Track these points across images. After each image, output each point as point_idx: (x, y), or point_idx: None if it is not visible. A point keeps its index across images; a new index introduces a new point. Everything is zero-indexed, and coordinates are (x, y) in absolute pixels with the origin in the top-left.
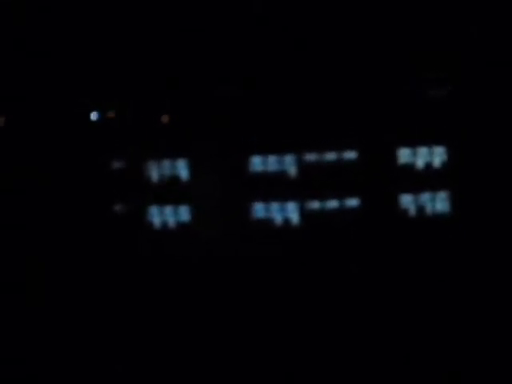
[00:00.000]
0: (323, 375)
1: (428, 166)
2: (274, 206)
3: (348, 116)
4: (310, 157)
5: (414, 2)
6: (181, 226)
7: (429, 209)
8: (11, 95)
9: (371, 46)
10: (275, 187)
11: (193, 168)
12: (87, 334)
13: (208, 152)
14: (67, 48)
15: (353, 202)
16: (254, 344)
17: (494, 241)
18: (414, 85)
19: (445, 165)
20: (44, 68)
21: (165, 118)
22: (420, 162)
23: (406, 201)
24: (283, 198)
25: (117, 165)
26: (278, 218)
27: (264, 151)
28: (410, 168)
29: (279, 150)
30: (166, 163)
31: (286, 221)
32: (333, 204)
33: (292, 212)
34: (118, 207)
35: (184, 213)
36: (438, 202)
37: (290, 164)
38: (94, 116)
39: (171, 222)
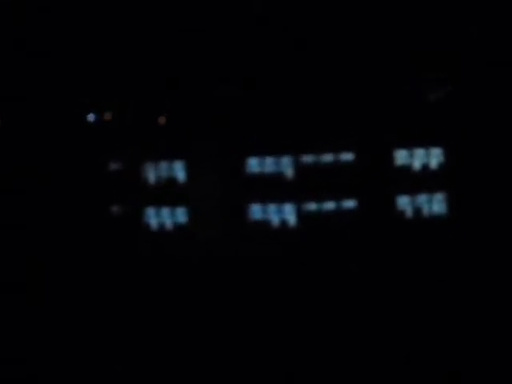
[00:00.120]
0: (319, 374)
1: (425, 167)
2: (271, 207)
3: (345, 118)
4: (307, 158)
5: (414, 2)
6: (178, 227)
7: (426, 210)
8: (9, 98)
9: (369, 49)
10: (272, 189)
11: (190, 170)
12: (86, 333)
13: (205, 154)
14: (65, 51)
15: (350, 204)
16: (252, 343)
17: (491, 242)
18: (411, 87)
19: (441, 166)
20: (42, 71)
21: (162, 120)
22: (417, 164)
23: (403, 202)
24: (280, 199)
25: (114, 166)
26: (275, 220)
27: (261, 153)
28: (406, 169)
29: (276, 152)
30: (163, 165)
31: (283, 222)
32: (330, 205)
33: (289, 213)
34: (115, 209)
35: (181, 214)
36: (435, 204)
37: (286, 166)
38: (91, 118)
39: (168, 223)
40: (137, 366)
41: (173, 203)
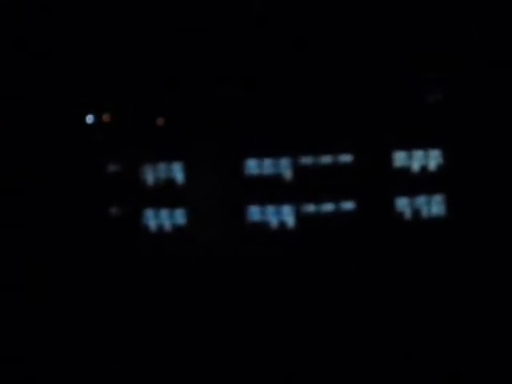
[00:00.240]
0: (319, 374)
1: (424, 169)
2: (270, 209)
3: (343, 119)
4: (306, 160)
5: (414, 3)
6: (176, 229)
7: (424, 212)
8: (8, 98)
9: (369, 50)
10: (271, 190)
11: (188, 171)
12: (85, 334)
13: (203, 155)
14: (64, 53)
15: (348, 205)
16: (251, 344)
17: (490, 243)
18: (410, 87)
19: (440, 168)
20: (41, 72)
21: (160, 121)
22: (416, 165)
23: (402, 204)
24: (279, 201)
25: (112, 168)
26: (273, 221)
27: (259, 154)
28: (405, 171)
29: (275, 154)
30: (162, 166)
31: (282, 224)
32: (328, 207)
33: (287, 215)
34: (113, 210)
35: (180, 216)
36: (434, 206)
37: (285, 167)
38: (89, 119)
39: (167, 225)
40: (137, 366)
41: (171, 205)
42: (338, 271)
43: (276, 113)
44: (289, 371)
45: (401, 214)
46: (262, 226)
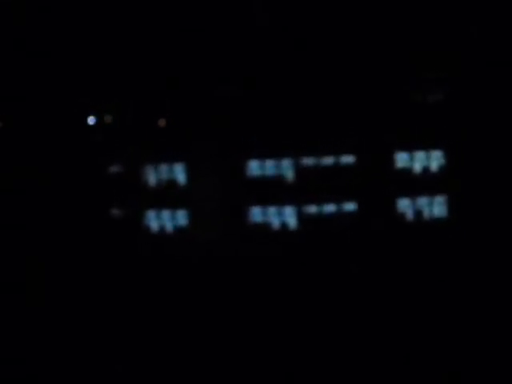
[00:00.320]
0: (319, 374)
1: (425, 170)
2: (272, 210)
3: (345, 120)
4: (308, 161)
5: (414, 3)
6: (178, 230)
7: (426, 213)
8: (9, 100)
9: (370, 52)
10: (273, 191)
11: (190, 172)
12: (86, 334)
13: (205, 156)
14: (65, 54)
15: (350, 207)
16: (251, 345)
17: (492, 244)
18: (411, 88)
19: (442, 169)
20: (42, 73)
21: (162, 122)
22: (417, 166)
23: (404, 205)
24: (281, 202)
25: (114, 169)
26: (275, 222)
27: (261, 156)
28: (407, 172)
29: (276, 155)
30: (164, 167)
31: (284, 225)
32: (330, 208)
33: (289, 216)
34: (115, 211)
35: (181, 217)
36: (436, 207)
37: (287, 168)
38: (91, 121)
39: (169, 226)
40: (137, 366)
41: (173, 206)
42: (339, 272)
43: (278, 114)
44: (289, 371)
45: (403, 215)
46: (264, 227)
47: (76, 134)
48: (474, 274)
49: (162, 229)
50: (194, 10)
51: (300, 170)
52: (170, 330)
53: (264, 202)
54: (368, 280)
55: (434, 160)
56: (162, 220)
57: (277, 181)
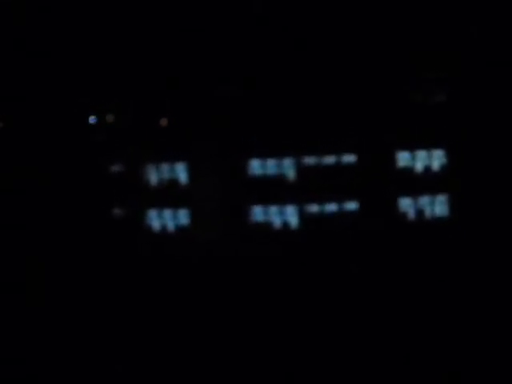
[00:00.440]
0: (319, 374)
1: (427, 169)
2: (273, 209)
3: (347, 119)
4: (309, 160)
5: (414, 3)
6: (180, 229)
7: (428, 212)
8: (10, 100)
9: (371, 51)
10: (274, 191)
11: (192, 171)
12: (87, 334)
13: (207, 155)
14: (66, 53)
15: (352, 206)
16: (252, 344)
17: (493, 244)
18: (412, 88)
19: (444, 168)
20: (43, 73)
21: (164, 122)
22: (419, 166)
23: (405, 204)
24: (282, 201)
25: (116, 168)
26: (276, 222)
27: (263, 155)
28: (409, 171)
29: (278, 154)
30: (165, 167)
31: (285, 224)
32: (332, 207)
33: (291, 215)
34: (116, 211)
35: (183, 216)
36: (437, 206)
37: (288, 167)
38: (92, 120)
39: (170, 225)
40: (137, 366)
41: (175, 205)
42: (341, 271)
43: (279, 113)
44: (289, 371)
45: (404, 215)
46: (266, 226)
47: (77, 133)
48: (475, 273)
49: (163, 228)
50: (194, 9)
51: (301, 169)
52: (171, 330)
53: (265, 201)
54: (369, 280)
55: (436, 159)
56: (164, 219)
57: (278, 180)
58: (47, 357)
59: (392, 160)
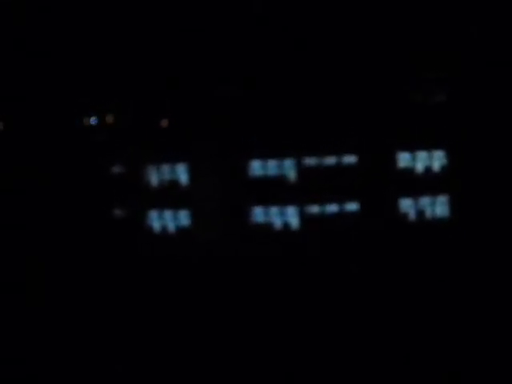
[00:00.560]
0: (320, 374)
1: (428, 170)
2: (274, 210)
3: (347, 120)
4: (310, 161)
5: (414, 3)
6: (180, 230)
7: (428, 213)
8: (10, 102)
9: (371, 51)
10: (275, 191)
11: (192, 172)
12: (87, 334)
13: (208, 156)
14: (66, 55)
15: (352, 206)
16: (252, 344)
17: (494, 244)
18: (413, 88)
19: (444, 169)
20: (43, 74)
21: (164, 123)
22: (420, 166)
23: (406, 205)
24: (283, 202)
25: (116, 169)
26: (277, 222)
27: (263, 156)
28: (409, 172)
29: (278, 155)
30: (166, 168)
31: (286, 225)
32: (332, 208)
33: (292, 216)
34: (117, 212)
35: (184, 217)
36: (438, 206)
37: (289, 168)
38: (93, 121)
39: (171, 226)
40: (138, 365)
41: (175, 206)
42: (342, 272)
43: (280, 114)
44: (289, 370)
45: (405, 215)
46: (266, 227)
47: (78, 134)
48: (476, 273)
49: (164, 229)
50: (195, 11)
51: (302, 170)
52: (172, 330)
53: (266, 202)
54: (370, 280)
55: (436, 160)
56: (164, 220)
57: (279, 181)
58: (47, 357)
59: (392, 161)
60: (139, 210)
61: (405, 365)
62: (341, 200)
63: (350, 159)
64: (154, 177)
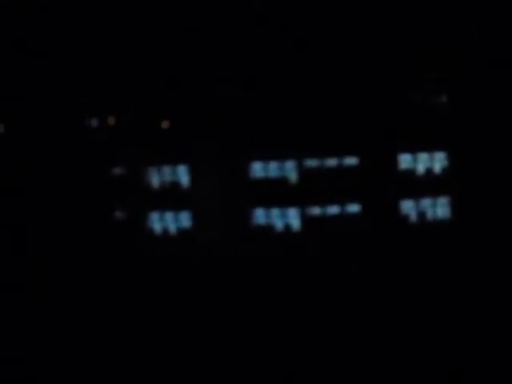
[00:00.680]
0: (320, 374)
1: (429, 171)
2: (275, 211)
3: (349, 122)
4: (311, 163)
5: (414, 4)
6: (181, 231)
7: (430, 214)
8: (11, 103)
9: (371, 52)
10: (276, 193)
11: (193, 174)
12: (87, 335)
13: (209, 158)
14: (67, 56)
15: (354, 208)
16: (253, 344)
17: (495, 246)
18: (413, 89)
19: (445, 170)
20: (44, 76)
21: (165, 124)
22: (421, 168)
23: (407, 206)
24: (284, 203)
25: (117, 171)
26: (278, 224)
27: (265, 157)
28: (410, 174)
29: (280, 156)
30: (167, 169)
31: (287, 227)
32: (334, 210)
33: (293, 218)
34: (118, 213)
35: (185, 219)
36: (439, 208)
37: (290, 170)
38: (94, 123)
39: (172, 227)
40: (138, 366)
41: (176, 207)
42: (343, 274)
43: (281, 116)
44: (290, 370)
45: (406, 217)
46: (268, 229)
47: (79, 135)
48: (477, 275)
49: (165, 230)
50: (195, 11)
51: (303, 172)
52: (173, 330)
53: (267, 203)
54: (371, 281)
55: (438, 161)
56: (166, 222)
57: (280, 182)
58: (47, 357)
59: (394, 162)
60: (140, 212)
61: (405, 365)
62: (342, 201)
63: (351, 161)
64: (155, 178)
